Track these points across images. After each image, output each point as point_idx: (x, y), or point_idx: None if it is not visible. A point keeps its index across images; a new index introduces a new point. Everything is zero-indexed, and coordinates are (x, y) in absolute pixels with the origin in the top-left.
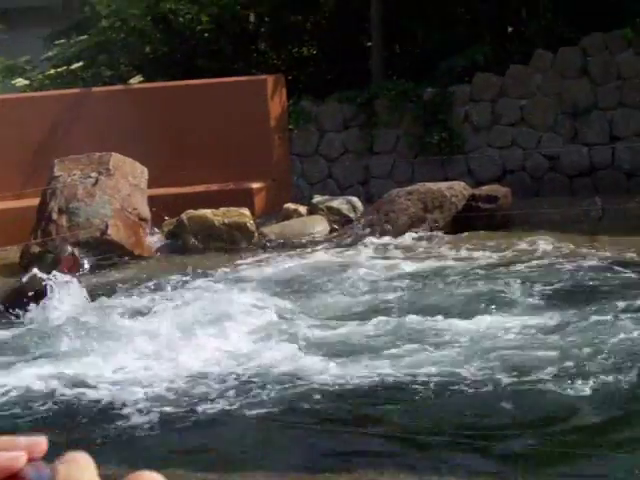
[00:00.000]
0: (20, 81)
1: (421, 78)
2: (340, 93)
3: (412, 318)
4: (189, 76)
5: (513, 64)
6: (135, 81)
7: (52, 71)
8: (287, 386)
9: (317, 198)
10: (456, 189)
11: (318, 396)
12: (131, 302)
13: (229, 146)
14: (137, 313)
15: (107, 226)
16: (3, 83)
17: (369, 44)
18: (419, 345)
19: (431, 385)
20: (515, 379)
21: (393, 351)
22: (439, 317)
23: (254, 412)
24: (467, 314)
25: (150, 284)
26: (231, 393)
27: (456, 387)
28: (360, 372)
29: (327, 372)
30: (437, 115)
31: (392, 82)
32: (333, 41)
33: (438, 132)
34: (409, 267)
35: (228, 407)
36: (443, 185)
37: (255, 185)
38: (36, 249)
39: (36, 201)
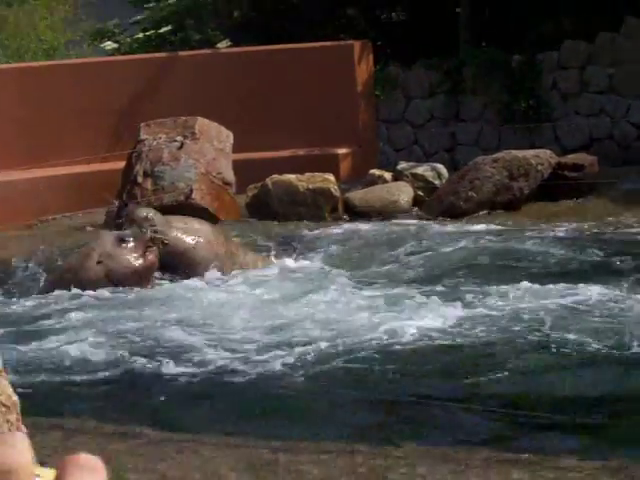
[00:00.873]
0: (109, 45)
1: (509, 45)
2: (427, 60)
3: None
4: (277, 41)
5: (602, 31)
6: (223, 46)
7: (141, 35)
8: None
9: (402, 164)
10: (542, 157)
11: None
12: None
13: (315, 111)
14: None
15: (191, 190)
16: (92, 47)
17: (457, 10)
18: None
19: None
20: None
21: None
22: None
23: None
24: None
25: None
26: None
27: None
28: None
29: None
30: (525, 82)
31: (480, 49)
32: (422, 7)
33: (525, 99)
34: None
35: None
36: (529, 153)
37: (341, 151)
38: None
39: (122, 164)
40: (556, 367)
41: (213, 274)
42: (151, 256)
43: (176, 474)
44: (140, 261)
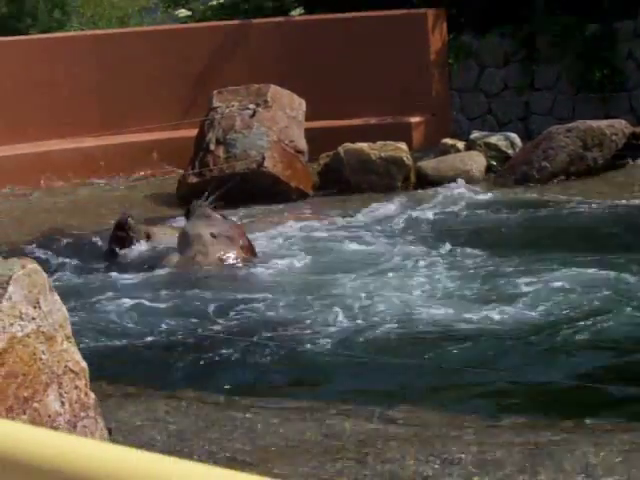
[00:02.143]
0: (182, 12)
1: (585, 13)
2: (501, 28)
3: None
4: (350, 9)
5: None
6: (296, 13)
7: (214, 2)
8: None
9: (475, 134)
10: (617, 127)
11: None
12: None
13: (388, 80)
14: None
15: (264, 158)
16: (166, 13)
17: None
18: None
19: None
20: None
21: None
22: None
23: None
24: None
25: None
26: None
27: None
28: None
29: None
30: (600, 51)
31: (555, 17)
32: None
33: (600, 69)
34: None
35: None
36: (603, 123)
37: (413, 119)
38: (193, 179)
39: (194, 132)
40: None
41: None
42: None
43: (238, 439)
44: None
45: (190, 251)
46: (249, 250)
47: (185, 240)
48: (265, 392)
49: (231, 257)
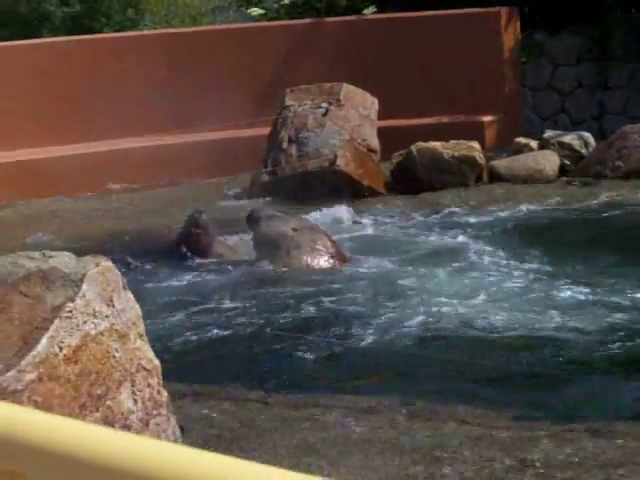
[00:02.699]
0: (255, 10)
1: None
2: (575, 26)
3: None
4: (423, 8)
5: None
6: (369, 12)
7: (287, 0)
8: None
9: (548, 133)
10: None
11: None
12: None
13: (460, 78)
14: None
15: (336, 156)
16: (239, 12)
17: None
18: None
19: None
20: None
21: None
22: None
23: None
24: None
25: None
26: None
27: None
28: None
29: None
30: None
31: (629, 14)
32: None
33: None
34: None
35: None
36: None
37: (486, 118)
38: (266, 178)
39: (267, 130)
40: None
41: None
42: None
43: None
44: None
45: (280, 249)
46: (330, 238)
47: (268, 240)
48: (333, 390)
49: (321, 247)
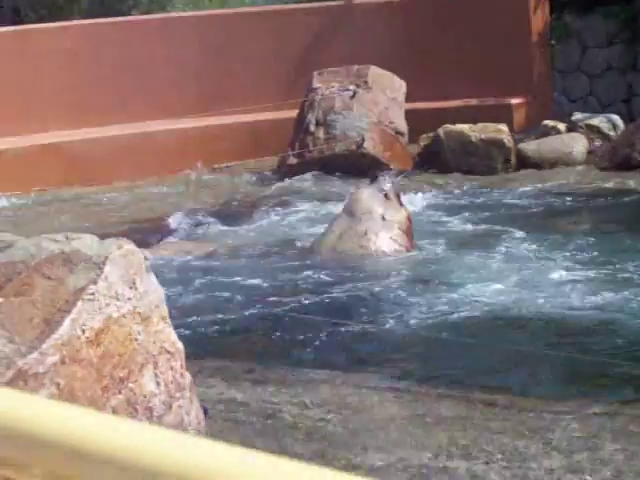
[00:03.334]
0: None
1: None
2: (604, 8)
3: None
4: None
5: None
6: None
7: None
8: None
9: (577, 115)
10: None
11: None
12: None
13: (489, 61)
14: None
15: (363, 139)
16: None
17: None
18: None
19: None
20: None
21: None
22: None
23: None
24: None
25: None
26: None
27: None
28: None
29: None
30: None
31: None
32: None
33: None
34: None
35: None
36: None
37: (514, 101)
38: (293, 160)
39: (294, 113)
40: None
41: None
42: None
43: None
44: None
45: (356, 222)
46: (407, 238)
47: (356, 206)
48: (360, 371)
49: (387, 243)
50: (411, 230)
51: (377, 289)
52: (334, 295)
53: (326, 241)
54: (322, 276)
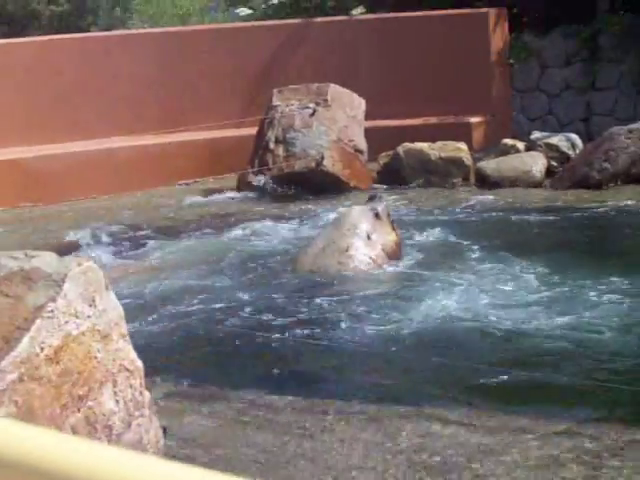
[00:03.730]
0: (243, 10)
1: None
2: (563, 27)
3: None
4: (411, 8)
5: None
6: (357, 12)
7: (275, 0)
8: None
9: (536, 134)
10: None
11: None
12: None
13: (448, 79)
14: None
15: (323, 157)
16: (228, 12)
17: None
18: None
19: None
20: None
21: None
22: None
23: None
24: None
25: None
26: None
27: None
28: None
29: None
30: None
31: (618, 16)
32: None
33: None
34: None
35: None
36: None
37: (474, 119)
38: (253, 178)
39: (254, 130)
40: None
41: None
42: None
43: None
44: (396, 234)
45: (339, 238)
46: (389, 260)
47: (343, 222)
48: (314, 395)
49: (366, 261)
50: (397, 254)
51: (345, 306)
52: (298, 311)
53: (306, 255)
54: (292, 292)
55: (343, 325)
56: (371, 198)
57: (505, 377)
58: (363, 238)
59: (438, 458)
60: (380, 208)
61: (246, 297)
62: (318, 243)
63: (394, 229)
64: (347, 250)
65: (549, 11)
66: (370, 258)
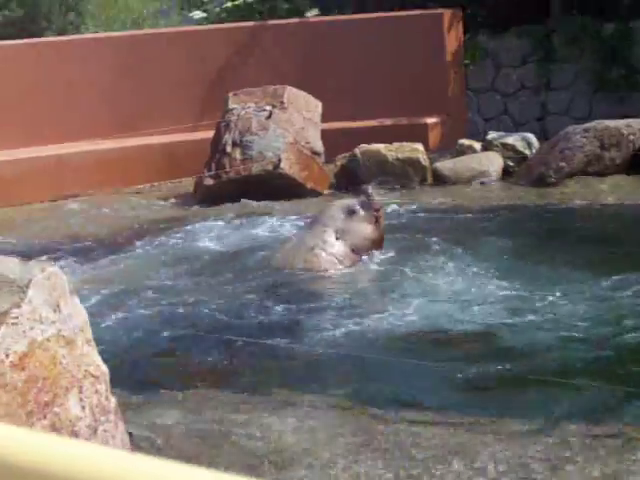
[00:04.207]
0: (197, 14)
1: (602, 13)
2: (518, 28)
3: None
4: (364, 10)
5: None
6: (311, 14)
7: (229, 4)
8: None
9: (492, 134)
10: (634, 127)
11: None
12: None
13: (403, 81)
14: None
15: (280, 160)
16: (181, 15)
17: None
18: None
19: None
20: None
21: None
22: None
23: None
24: None
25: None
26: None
27: None
28: None
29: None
30: (617, 51)
31: (571, 17)
32: None
33: (617, 68)
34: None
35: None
36: (621, 123)
37: (429, 120)
38: (210, 182)
39: (210, 134)
40: None
41: None
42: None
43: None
44: (375, 230)
45: (309, 237)
46: (357, 257)
47: (318, 220)
48: (289, 394)
49: (331, 261)
50: (376, 249)
51: (306, 306)
52: (259, 312)
53: (279, 253)
54: (249, 292)
55: (291, 325)
56: (363, 192)
57: (470, 375)
58: (331, 237)
59: (408, 459)
60: (357, 205)
61: (202, 298)
62: (292, 241)
63: (377, 224)
64: (313, 249)
65: (503, 11)
66: (336, 257)
